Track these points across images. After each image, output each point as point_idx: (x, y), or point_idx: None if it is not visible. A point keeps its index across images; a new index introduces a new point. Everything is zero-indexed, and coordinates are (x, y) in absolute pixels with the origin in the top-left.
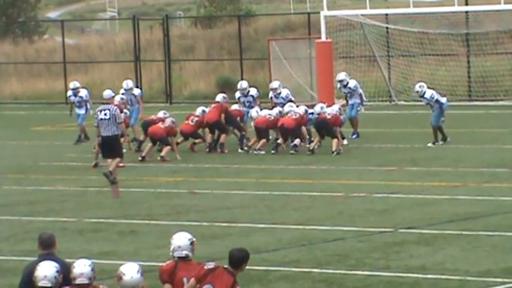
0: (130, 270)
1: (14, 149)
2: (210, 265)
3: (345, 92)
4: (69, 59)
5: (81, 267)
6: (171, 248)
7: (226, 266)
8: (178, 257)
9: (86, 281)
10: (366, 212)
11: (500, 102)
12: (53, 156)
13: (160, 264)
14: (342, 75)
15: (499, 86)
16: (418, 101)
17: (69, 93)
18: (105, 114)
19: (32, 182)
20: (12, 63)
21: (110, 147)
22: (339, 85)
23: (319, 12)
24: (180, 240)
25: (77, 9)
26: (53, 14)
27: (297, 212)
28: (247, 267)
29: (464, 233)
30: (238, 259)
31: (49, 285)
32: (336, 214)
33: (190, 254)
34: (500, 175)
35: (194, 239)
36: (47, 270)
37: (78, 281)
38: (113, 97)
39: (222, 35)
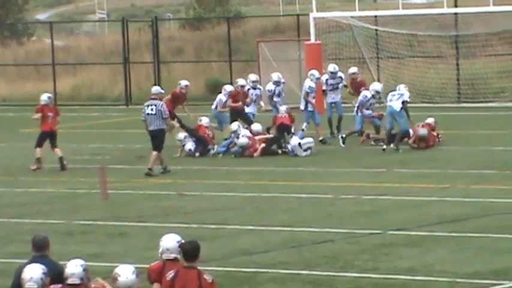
0: (125, 271)
1: (3, 151)
2: (171, 274)
3: (332, 84)
4: (58, 61)
5: (73, 268)
6: (160, 250)
7: (185, 265)
8: (167, 260)
9: (77, 281)
10: (355, 213)
11: (489, 104)
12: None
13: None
14: (333, 67)
15: (488, 88)
16: (408, 102)
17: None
18: (152, 110)
19: (21, 184)
20: (1, 64)
21: (156, 140)
22: (327, 76)
23: (308, 14)
24: (169, 242)
25: (65, 11)
26: (42, 16)
27: (285, 214)
28: (235, 269)
29: (453, 234)
30: (193, 251)
31: (35, 286)
32: (325, 216)
33: (178, 257)
34: (488, 177)
35: (183, 241)
36: (33, 272)
37: (69, 281)
38: (161, 93)
39: (211, 37)
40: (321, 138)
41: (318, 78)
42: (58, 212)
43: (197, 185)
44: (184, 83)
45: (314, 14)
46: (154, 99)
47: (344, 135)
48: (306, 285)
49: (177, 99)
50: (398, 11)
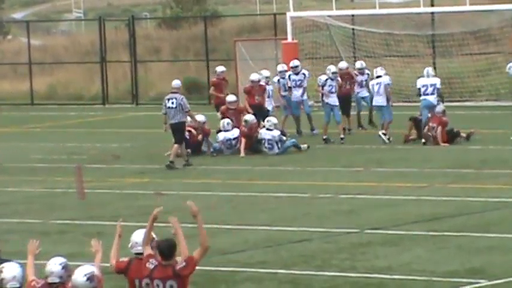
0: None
1: None
2: (151, 264)
3: (295, 80)
4: (34, 60)
5: (52, 266)
6: (130, 245)
7: (162, 263)
8: (136, 253)
9: (57, 280)
10: (332, 213)
11: (466, 103)
12: (18, 157)
13: None
14: (296, 62)
15: (464, 87)
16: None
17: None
18: (172, 103)
19: None
20: None
21: (177, 133)
22: (291, 72)
23: (285, 13)
24: (139, 236)
25: (42, 10)
26: (18, 15)
27: (263, 213)
28: (213, 268)
29: (430, 233)
30: (169, 249)
31: (18, 285)
32: (302, 215)
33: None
34: (465, 176)
35: (155, 237)
36: (14, 271)
37: (49, 280)
38: (180, 87)
39: (188, 36)
40: (342, 136)
41: (334, 73)
42: (35, 211)
43: (174, 185)
44: (220, 69)
45: (291, 13)
46: (174, 92)
47: (384, 132)
48: (283, 284)
49: (219, 86)
50: (375, 10)
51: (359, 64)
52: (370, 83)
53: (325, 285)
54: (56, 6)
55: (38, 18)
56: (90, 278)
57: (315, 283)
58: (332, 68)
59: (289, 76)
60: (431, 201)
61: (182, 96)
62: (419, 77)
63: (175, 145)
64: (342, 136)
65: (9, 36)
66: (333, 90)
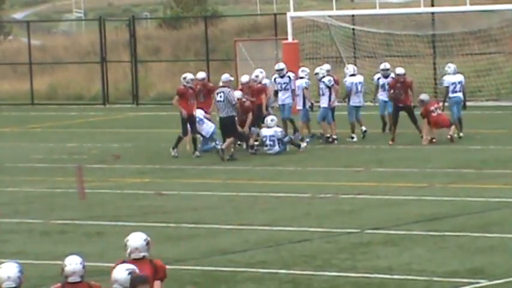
0: (120, 269)
1: None
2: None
3: (280, 83)
4: (35, 60)
5: (73, 266)
6: (128, 250)
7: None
8: (134, 259)
9: (78, 279)
10: (333, 212)
11: (466, 103)
12: (18, 157)
13: None
14: (281, 65)
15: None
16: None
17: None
18: (220, 97)
19: None
20: None
21: (227, 127)
22: (276, 75)
23: (285, 14)
24: (137, 241)
25: (42, 10)
26: (18, 15)
27: (263, 213)
28: (213, 268)
29: (430, 233)
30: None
31: (13, 285)
32: (303, 215)
33: (147, 254)
34: (466, 176)
35: (149, 239)
36: (9, 271)
37: (70, 280)
38: (230, 81)
39: (188, 36)
40: (334, 137)
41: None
42: (35, 211)
43: (175, 184)
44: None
45: (291, 13)
46: (223, 86)
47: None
48: (284, 284)
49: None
50: (375, 10)
51: (383, 66)
52: (347, 81)
53: (326, 285)
54: (56, 6)
55: (39, 18)
56: (132, 273)
57: (315, 283)
58: (317, 69)
59: (274, 79)
60: (431, 201)
61: (230, 90)
62: (444, 75)
63: (230, 139)
64: (334, 136)
65: (10, 37)
66: (320, 92)
